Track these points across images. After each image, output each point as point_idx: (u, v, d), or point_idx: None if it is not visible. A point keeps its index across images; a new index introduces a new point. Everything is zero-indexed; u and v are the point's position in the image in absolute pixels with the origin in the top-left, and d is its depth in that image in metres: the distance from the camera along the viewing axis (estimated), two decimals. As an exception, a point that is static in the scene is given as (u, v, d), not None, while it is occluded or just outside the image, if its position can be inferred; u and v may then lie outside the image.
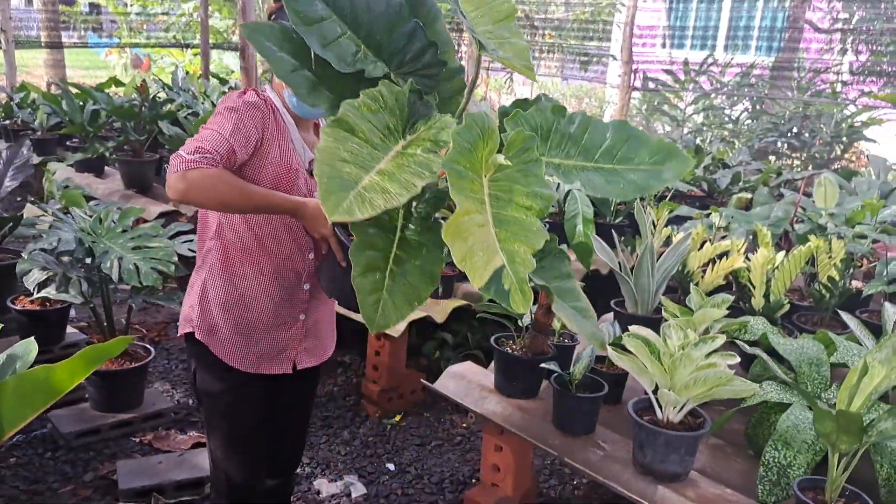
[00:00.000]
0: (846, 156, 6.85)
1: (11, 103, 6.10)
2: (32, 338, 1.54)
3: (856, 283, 2.90)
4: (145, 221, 4.15)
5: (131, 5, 12.49)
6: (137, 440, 2.76)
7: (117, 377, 2.78)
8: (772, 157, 7.13)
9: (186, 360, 2.22)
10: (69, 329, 3.36)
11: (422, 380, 2.57)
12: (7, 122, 6.00)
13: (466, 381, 2.30)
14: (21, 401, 1.31)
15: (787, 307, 2.51)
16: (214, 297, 1.71)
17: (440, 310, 2.96)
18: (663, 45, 11.38)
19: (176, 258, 2.75)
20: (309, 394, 1.96)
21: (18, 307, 3.13)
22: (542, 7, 10.53)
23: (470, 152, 1.09)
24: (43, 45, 9.20)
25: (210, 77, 7.35)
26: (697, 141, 7.11)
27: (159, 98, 5.23)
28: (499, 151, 1.15)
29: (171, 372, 3.37)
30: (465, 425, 3.08)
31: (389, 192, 1.06)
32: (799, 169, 6.60)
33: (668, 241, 3.00)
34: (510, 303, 1.01)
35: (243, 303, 1.70)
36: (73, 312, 3.65)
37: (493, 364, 2.31)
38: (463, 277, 3.26)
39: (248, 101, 1.60)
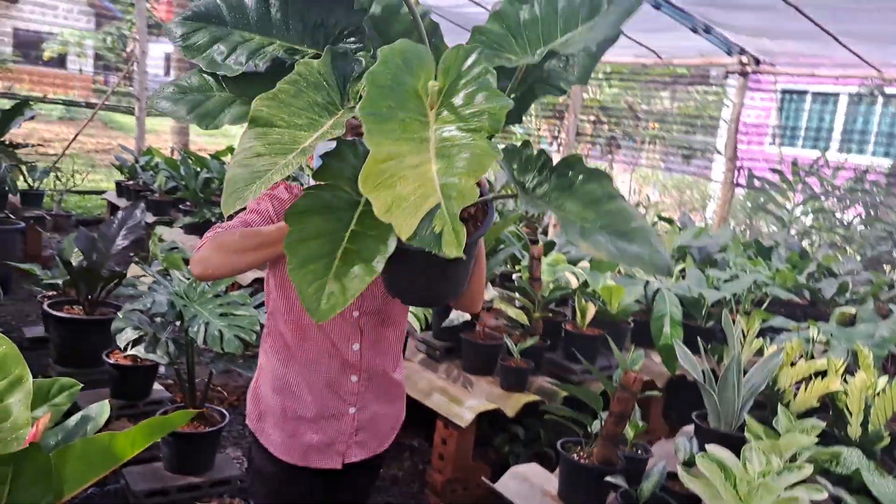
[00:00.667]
0: (970, 271, 6.37)
1: (136, 165, 6.60)
2: (106, 401, 1.60)
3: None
4: (240, 286, 4.33)
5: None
6: (202, 505, 2.80)
7: (191, 440, 2.84)
8: (886, 268, 6.72)
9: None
10: (156, 385, 3.50)
11: (483, 477, 2.50)
12: (131, 182, 6.48)
13: (529, 485, 2.22)
14: (84, 465, 1.35)
15: (888, 440, 2.30)
16: (265, 382, 1.71)
17: (511, 403, 2.89)
18: (772, 143, 11.12)
19: (259, 327, 2.83)
20: (363, 488, 1.87)
21: (112, 360, 3.29)
22: (646, 98, 10.56)
23: (393, 89, 0.97)
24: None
25: (318, 151, 7.71)
26: (805, 244, 6.81)
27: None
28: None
29: (244, 438, 3.43)
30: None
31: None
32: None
33: (760, 353, 2.85)
34: (442, 246, 0.88)
35: (289, 391, 1.68)
36: (161, 368, 3.80)
37: (559, 470, 2.22)
38: (538, 370, 3.19)
39: (271, 193, 1.64)
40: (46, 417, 1.46)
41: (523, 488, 2.21)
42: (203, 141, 13.41)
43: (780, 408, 2.28)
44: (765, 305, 3.78)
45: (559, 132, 10.72)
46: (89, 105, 8.70)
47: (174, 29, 1.23)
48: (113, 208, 6.66)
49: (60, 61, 15.55)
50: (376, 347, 1.70)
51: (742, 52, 6.52)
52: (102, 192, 7.68)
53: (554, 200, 1.09)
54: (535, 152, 1.17)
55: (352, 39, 1.25)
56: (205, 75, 1.25)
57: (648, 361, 3.57)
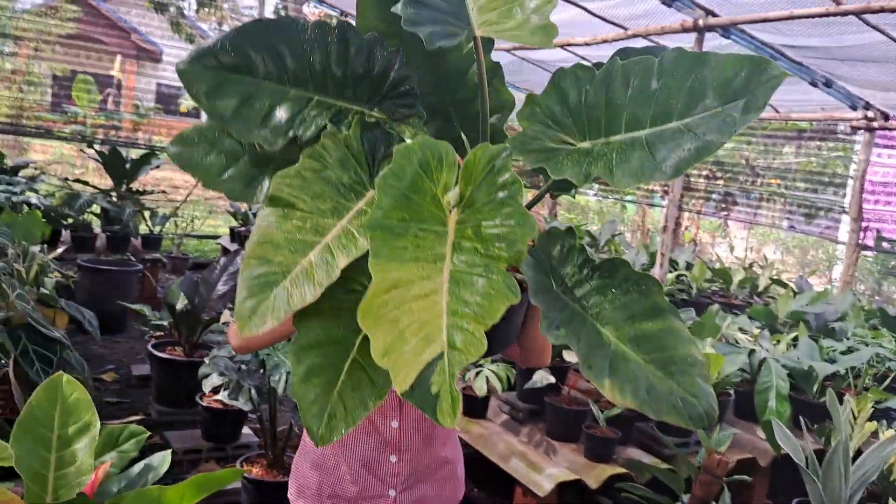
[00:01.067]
0: None
1: (249, 213, 6.93)
2: (169, 451, 1.63)
3: None
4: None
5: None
6: (276, 555, 2.79)
7: (269, 488, 2.87)
8: None
9: None
10: (245, 430, 3.58)
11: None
12: (243, 228, 6.80)
13: (603, 568, 2.07)
14: (134, 517, 1.36)
15: None
16: (304, 455, 1.64)
17: (595, 474, 2.73)
18: (905, 203, 10.33)
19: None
20: None
21: (204, 403, 3.39)
22: (766, 154, 10.11)
23: (408, 198, 0.85)
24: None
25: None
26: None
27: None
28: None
29: (325, 489, 3.42)
30: None
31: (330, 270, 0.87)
32: None
33: (876, 437, 2.57)
34: (437, 413, 0.76)
35: (327, 468, 1.59)
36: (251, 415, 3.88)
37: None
38: (626, 440, 3.02)
39: None
40: (106, 466, 1.49)
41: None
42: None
43: (892, 502, 2.04)
44: (886, 383, 3.43)
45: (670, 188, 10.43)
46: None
47: (195, 82, 0.97)
48: (226, 252, 7.00)
49: (197, 113, 16.79)
50: (419, 425, 1.58)
51: (867, 106, 6.14)
52: (218, 236, 8.10)
53: (592, 307, 0.94)
54: (579, 245, 1.01)
55: (403, 89, 1.08)
56: None
57: (752, 437, 3.31)
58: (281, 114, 1.00)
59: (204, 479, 1.38)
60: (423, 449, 1.58)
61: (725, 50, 5.71)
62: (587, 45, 5.71)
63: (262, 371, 2.82)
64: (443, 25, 0.97)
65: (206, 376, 2.79)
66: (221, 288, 3.87)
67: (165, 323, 4.01)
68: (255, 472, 2.89)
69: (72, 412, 1.58)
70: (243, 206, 7.07)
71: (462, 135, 1.14)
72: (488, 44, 1.09)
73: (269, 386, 2.79)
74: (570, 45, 5.88)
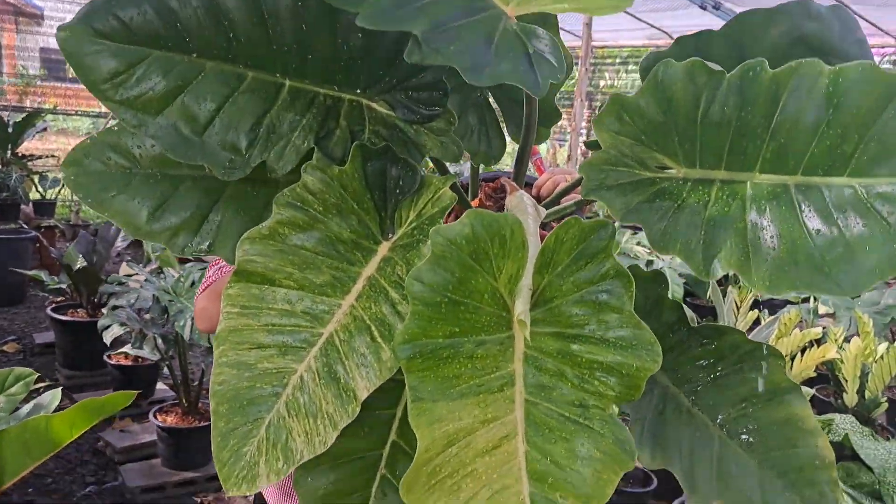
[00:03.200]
0: None
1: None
2: (59, 389, 1.60)
3: None
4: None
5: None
6: (199, 500, 2.80)
7: (186, 435, 2.85)
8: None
9: None
10: (160, 385, 3.53)
11: None
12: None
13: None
14: (23, 449, 1.35)
15: (885, 406, 2.21)
16: None
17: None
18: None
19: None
20: None
21: (113, 361, 3.32)
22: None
23: (455, 305, 0.59)
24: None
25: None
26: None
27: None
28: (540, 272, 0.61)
29: (246, 433, 3.43)
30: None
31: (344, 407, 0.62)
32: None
33: (756, 327, 2.76)
34: None
35: None
36: (167, 370, 3.83)
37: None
38: None
39: None
40: (-8, 404, 1.46)
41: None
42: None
43: (769, 377, 2.21)
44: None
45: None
46: (101, 115, 8.87)
47: (89, 62, 0.62)
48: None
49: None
50: None
51: (752, 26, 6.39)
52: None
53: (689, 390, 0.72)
54: (672, 299, 0.75)
55: (426, 77, 0.72)
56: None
57: (652, 341, 3.50)
58: (234, 119, 0.67)
59: (90, 404, 1.37)
60: None
61: None
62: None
63: (165, 318, 2.78)
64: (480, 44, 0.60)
65: (107, 328, 2.73)
66: (120, 244, 3.77)
67: (65, 286, 3.88)
68: (170, 420, 2.87)
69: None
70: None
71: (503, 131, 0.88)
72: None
73: (175, 332, 2.76)
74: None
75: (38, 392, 1.81)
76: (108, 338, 2.73)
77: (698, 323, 0.73)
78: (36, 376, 1.68)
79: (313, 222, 0.67)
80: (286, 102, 0.69)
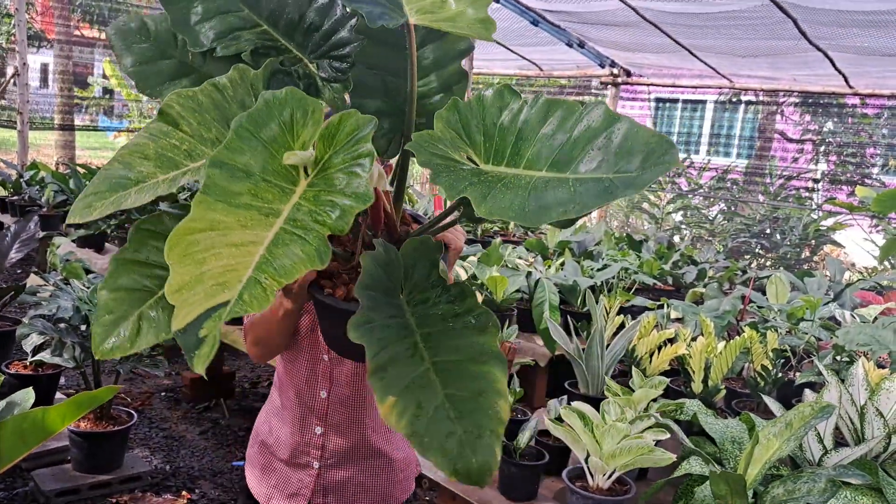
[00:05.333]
0: (815, 258, 7.18)
1: (21, 180, 6.45)
2: (31, 388, 1.76)
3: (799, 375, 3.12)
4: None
5: (143, 92, 13.13)
6: (115, 501, 2.90)
7: (100, 439, 2.95)
8: (746, 257, 7.47)
9: None
10: (58, 395, 3.54)
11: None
12: (16, 197, 6.33)
13: (423, 450, 2.49)
14: (19, 437, 1.51)
15: (724, 392, 2.72)
16: (262, 413, 1.69)
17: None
18: (648, 148, 11.94)
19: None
20: None
21: (12, 371, 3.32)
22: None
23: (261, 145, 0.84)
24: (56, 126, 9.66)
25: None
26: (676, 238, 7.45)
27: (162, 181, 5.56)
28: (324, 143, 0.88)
29: (152, 439, 3.53)
30: (426, 498, 3.22)
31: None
32: (770, 269, 6.92)
33: (621, 330, 3.24)
34: (194, 356, 0.75)
35: (274, 418, 1.63)
36: (62, 380, 3.83)
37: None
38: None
39: None
40: (-22, 399, 1.60)
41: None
42: (88, 155, 13.01)
43: (633, 370, 2.66)
44: (633, 290, 4.22)
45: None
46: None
47: None
48: (-3, 225, 6.47)
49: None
50: (351, 403, 1.54)
51: (613, 64, 7.10)
52: (-17, 209, 7.39)
53: (424, 327, 0.90)
54: (442, 268, 0.99)
55: (342, 52, 1.09)
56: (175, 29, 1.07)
57: (532, 344, 3.92)
58: (220, 23, 1.06)
59: (83, 397, 1.55)
60: (350, 428, 1.56)
61: (493, 14, 6.31)
62: None
63: (85, 327, 2.87)
64: (382, 7, 0.97)
65: (26, 336, 2.79)
66: (15, 255, 3.74)
67: (-50, 297, 3.79)
68: (84, 425, 2.95)
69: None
70: (13, 174, 6.55)
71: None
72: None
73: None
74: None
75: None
76: (28, 346, 2.79)
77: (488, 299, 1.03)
78: (2, 378, 1.82)
79: (223, 102, 0.97)
80: (256, 33, 1.08)
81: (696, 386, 2.75)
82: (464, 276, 3.86)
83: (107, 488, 2.93)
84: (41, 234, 5.01)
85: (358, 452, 1.57)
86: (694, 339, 3.03)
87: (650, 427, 2.20)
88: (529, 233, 6.79)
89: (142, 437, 3.53)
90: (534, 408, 3.59)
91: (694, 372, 2.76)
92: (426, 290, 0.94)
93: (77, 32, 11.08)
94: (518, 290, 3.97)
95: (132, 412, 3.09)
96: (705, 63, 6.39)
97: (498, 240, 4.83)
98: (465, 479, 0.75)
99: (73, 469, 2.96)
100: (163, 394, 4.11)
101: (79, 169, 6.03)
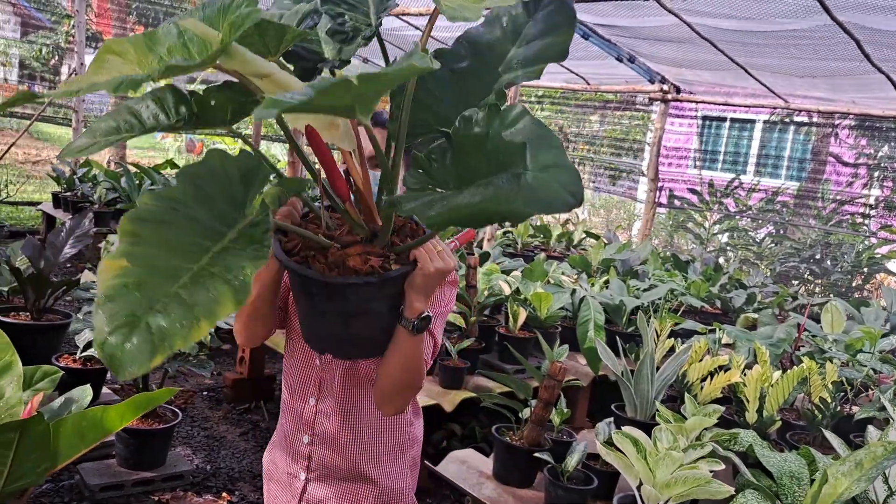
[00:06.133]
0: (867, 286, 6.98)
1: (75, 177, 6.59)
2: (88, 385, 1.77)
3: (856, 409, 3.02)
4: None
5: (193, 94, 13.43)
6: (156, 499, 2.92)
7: (145, 436, 2.97)
8: (794, 282, 7.30)
9: None
10: (105, 389, 3.59)
11: (425, 461, 2.72)
12: (69, 193, 6.47)
13: (467, 467, 2.46)
14: (77, 436, 1.52)
15: (779, 423, 2.63)
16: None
17: (449, 400, 3.12)
18: (694, 166, 11.79)
19: (213, 329, 2.99)
20: None
21: (62, 364, 3.37)
22: (577, 122, 11.04)
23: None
24: (109, 124, 9.86)
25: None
26: (721, 260, 7.31)
27: (211, 182, 5.63)
28: None
29: (194, 438, 3.55)
30: (466, 516, 3.18)
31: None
32: (819, 295, 6.75)
33: (672, 353, 3.17)
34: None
35: (279, 426, 1.58)
36: (110, 374, 3.88)
37: (493, 452, 2.47)
38: (473, 369, 3.44)
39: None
40: (40, 396, 1.62)
41: (461, 469, 2.44)
42: (138, 154, 13.29)
43: (687, 397, 2.59)
44: (679, 313, 4.14)
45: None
46: (23, 116, 8.58)
47: None
48: (49, 219, 6.62)
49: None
50: (340, 413, 1.44)
51: (663, 80, 7.01)
52: (37, 203, 7.59)
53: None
54: None
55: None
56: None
57: (574, 363, 3.87)
58: None
59: (142, 398, 1.56)
60: (336, 442, 1.46)
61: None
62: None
63: (135, 324, 2.89)
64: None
65: (79, 332, 2.82)
66: (69, 251, 3.80)
67: (3, 289, 3.87)
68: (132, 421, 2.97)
69: (-9, 353, 1.68)
70: (67, 171, 6.70)
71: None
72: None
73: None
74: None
75: None
76: (80, 342, 2.82)
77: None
78: (61, 374, 1.83)
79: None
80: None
81: (751, 416, 2.67)
82: (507, 291, 3.83)
83: (150, 485, 2.95)
84: (94, 230, 5.11)
85: (343, 471, 1.46)
86: (748, 366, 2.95)
87: (704, 457, 2.14)
88: (572, 248, 6.72)
89: (184, 435, 3.55)
90: (575, 428, 3.53)
91: (748, 401, 2.68)
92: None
93: (132, 35, 11.30)
94: (562, 308, 3.92)
95: (177, 410, 3.11)
96: (760, 82, 6.27)
97: (542, 255, 4.79)
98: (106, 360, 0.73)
99: (118, 464, 2.99)
100: (205, 393, 4.14)
101: (130, 167, 6.14)
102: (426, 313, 1.23)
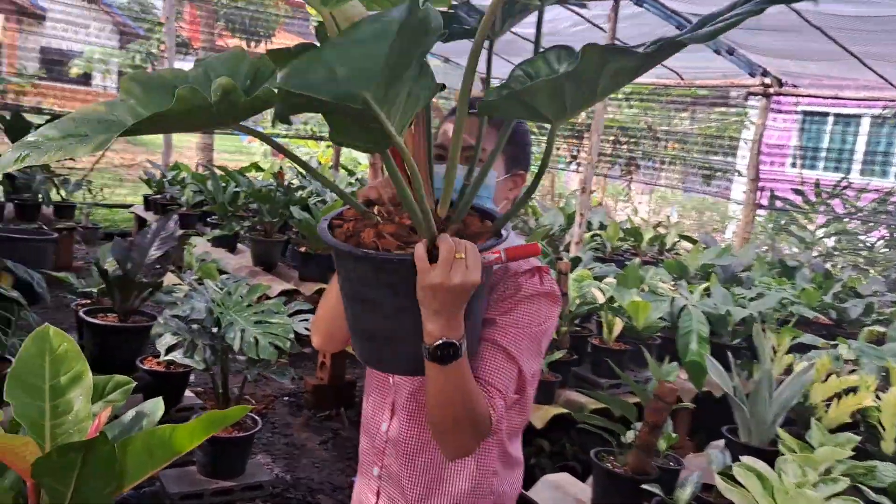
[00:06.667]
0: None
1: (164, 180, 6.72)
2: (161, 398, 1.66)
3: None
4: (268, 298, 4.39)
5: (279, 98, 13.69)
6: (235, 510, 2.84)
7: (225, 444, 2.89)
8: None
9: None
10: (187, 392, 3.56)
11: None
12: (158, 196, 6.59)
13: (562, 493, 2.24)
14: (146, 455, 1.40)
15: (922, 455, 2.30)
16: None
17: (539, 416, 2.91)
18: (793, 165, 11.11)
19: (293, 335, 2.88)
20: None
21: (146, 367, 3.35)
22: (666, 119, 10.59)
23: None
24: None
25: (340, 168, 7.84)
26: (828, 266, 6.79)
27: (293, 185, 5.61)
28: None
29: (274, 445, 3.47)
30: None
31: None
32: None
33: (788, 370, 2.86)
34: None
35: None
36: (192, 377, 3.86)
37: (591, 478, 2.24)
38: (565, 383, 3.21)
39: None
40: (108, 411, 1.51)
41: (556, 496, 2.23)
42: (224, 158, 13.61)
43: (813, 422, 2.29)
44: (791, 324, 3.78)
45: (578, 152, 10.78)
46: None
47: None
48: (140, 221, 6.77)
49: (85, 78, 15.86)
50: (403, 444, 1.27)
51: (765, 73, 6.57)
52: (129, 205, 7.81)
53: None
54: None
55: None
56: None
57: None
58: None
59: (214, 416, 1.43)
60: (400, 483, 1.28)
61: (638, 17, 5.97)
62: None
63: (216, 329, 2.83)
64: None
65: (160, 336, 2.77)
66: (155, 253, 3.79)
67: (94, 290, 3.90)
68: (210, 430, 2.90)
69: (62, 362, 1.59)
70: (158, 174, 6.84)
71: None
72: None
73: (224, 344, 2.80)
74: None
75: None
76: (161, 346, 2.77)
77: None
78: (134, 384, 1.73)
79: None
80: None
81: (887, 445, 2.35)
82: (601, 299, 3.58)
83: (229, 495, 2.87)
84: (180, 232, 5.15)
85: (411, 482, 1.26)
86: (879, 389, 2.61)
87: (839, 493, 1.86)
88: (665, 252, 6.37)
89: (264, 442, 3.48)
90: (677, 449, 3.26)
91: (884, 429, 2.36)
92: None
93: (220, 42, 11.59)
94: (661, 318, 3.64)
95: (257, 418, 3.03)
96: (876, 73, 5.77)
97: (637, 260, 4.50)
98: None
99: (198, 472, 2.92)
100: (285, 398, 4.07)
101: (216, 170, 6.20)
102: (444, 340, 1.00)
